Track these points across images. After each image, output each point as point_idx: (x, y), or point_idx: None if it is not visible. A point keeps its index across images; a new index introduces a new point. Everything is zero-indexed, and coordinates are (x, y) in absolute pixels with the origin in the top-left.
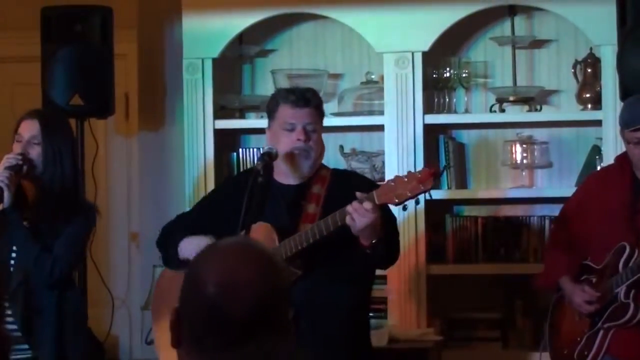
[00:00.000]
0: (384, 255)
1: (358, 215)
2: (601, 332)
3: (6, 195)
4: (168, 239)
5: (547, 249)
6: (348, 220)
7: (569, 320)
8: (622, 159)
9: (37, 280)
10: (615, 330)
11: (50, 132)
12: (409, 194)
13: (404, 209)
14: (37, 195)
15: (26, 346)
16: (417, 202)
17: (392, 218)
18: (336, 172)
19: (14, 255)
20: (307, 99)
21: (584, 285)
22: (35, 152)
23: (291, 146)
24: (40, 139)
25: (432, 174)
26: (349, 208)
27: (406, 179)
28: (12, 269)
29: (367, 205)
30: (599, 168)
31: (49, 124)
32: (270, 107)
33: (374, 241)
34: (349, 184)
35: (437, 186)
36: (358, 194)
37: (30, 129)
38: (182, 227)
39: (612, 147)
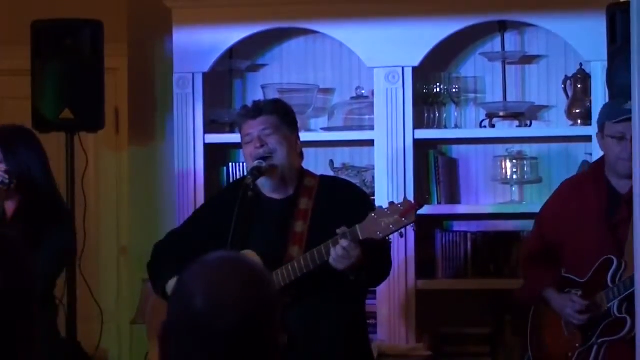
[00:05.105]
0: (368, 281)
1: (343, 259)
2: (595, 348)
3: None
4: (158, 266)
5: (526, 261)
6: (331, 261)
7: (556, 335)
8: (596, 167)
9: None
10: (609, 345)
11: (11, 151)
12: (392, 228)
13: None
14: (16, 210)
15: None
16: (400, 235)
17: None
18: (324, 181)
19: None
20: (259, 109)
21: (571, 295)
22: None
23: (252, 156)
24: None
25: (414, 208)
26: (332, 254)
27: (388, 212)
28: None
29: (350, 245)
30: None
31: (6, 143)
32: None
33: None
34: (337, 198)
35: (427, 201)
36: (339, 230)
37: None
38: (172, 249)
39: None
